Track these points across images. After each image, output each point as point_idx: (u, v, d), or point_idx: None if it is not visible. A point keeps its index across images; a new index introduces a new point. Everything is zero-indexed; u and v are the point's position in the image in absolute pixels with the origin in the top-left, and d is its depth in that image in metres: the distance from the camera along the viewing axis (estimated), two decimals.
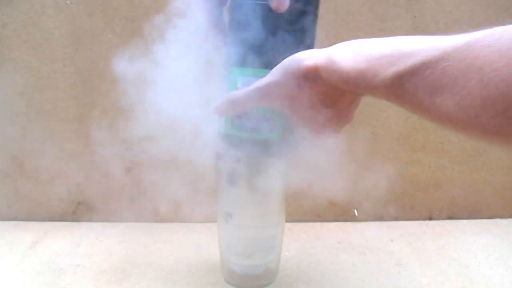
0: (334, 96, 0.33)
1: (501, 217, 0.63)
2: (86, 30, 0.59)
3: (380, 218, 0.64)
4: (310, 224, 0.63)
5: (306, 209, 0.64)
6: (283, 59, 0.35)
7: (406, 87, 0.26)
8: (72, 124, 0.63)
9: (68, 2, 0.59)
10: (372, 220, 0.64)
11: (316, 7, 0.38)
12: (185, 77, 0.41)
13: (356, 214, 0.64)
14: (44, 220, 0.66)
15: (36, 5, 0.59)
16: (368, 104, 0.61)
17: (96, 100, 0.62)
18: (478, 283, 0.46)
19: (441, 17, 0.57)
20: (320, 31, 0.57)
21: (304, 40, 0.37)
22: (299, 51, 0.36)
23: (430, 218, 0.63)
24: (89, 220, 0.65)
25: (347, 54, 0.29)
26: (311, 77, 0.31)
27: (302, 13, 0.36)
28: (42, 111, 0.63)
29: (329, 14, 0.57)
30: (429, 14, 0.57)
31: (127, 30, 0.59)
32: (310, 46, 0.38)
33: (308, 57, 0.31)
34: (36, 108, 0.63)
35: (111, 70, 0.58)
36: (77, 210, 0.66)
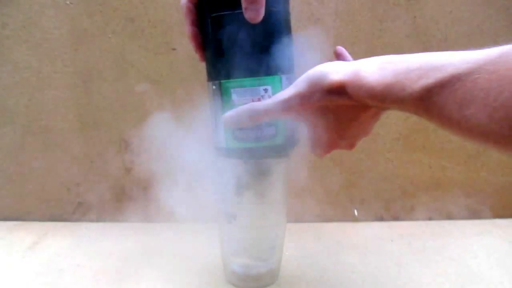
0: (357, 111, 0.32)
1: (501, 217, 0.63)
2: (86, 30, 0.60)
3: (380, 218, 0.64)
4: (310, 224, 0.63)
5: (306, 209, 0.64)
6: (271, 62, 0.36)
7: (434, 101, 0.25)
8: (72, 124, 0.63)
9: (68, 2, 0.59)
10: (372, 220, 0.64)
11: (288, 7, 0.38)
12: None
13: (356, 214, 0.64)
14: (44, 220, 0.66)
15: (36, 5, 0.59)
16: None
17: (96, 100, 0.62)
18: (478, 283, 0.46)
19: (441, 17, 0.57)
20: (320, 31, 0.57)
21: (284, 40, 0.37)
22: (282, 51, 0.36)
23: (430, 218, 0.63)
24: (89, 220, 0.65)
25: (374, 68, 0.29)
26: (336, 91, 0.30)
27: (278, 17, 0.36)
28: (42, 111, 0.63)
29: (329, 14, 0.57)
30: (429, 14, 0.57)
31: (127, 30, 0.59)
32: (290, 43, 0.38)
33: (334, 71, 0.31)
34: (36, 108, 0.63)
35: (111, 70, 0.58)
36: (77, 210, 0.66)
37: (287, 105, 0.33)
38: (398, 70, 0.27)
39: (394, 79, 0.27)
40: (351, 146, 0.37)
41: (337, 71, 0.31)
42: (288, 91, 0.33)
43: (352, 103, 0.31)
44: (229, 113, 0.36)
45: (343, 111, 0.32)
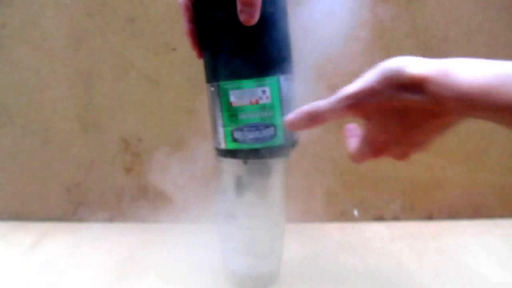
0: (428, 117, 0.28)
1: (501, 217, 0.63)
2: (86, 30, 0.59)
3: (380, 218, 0.64)
4: (310, 224, 0.63)
5: (306, 209, 0.63)
6: (268, 63, 0.35)
7: None
8: (72, 124, 0.63)
9: (68, 2, 0.59)
10: (372, 220, 0.64)
11: (286, 8, 0.38)
12: None
13: (356, 214, 0.64)
14: (44, 220, 0.66)
15: (36, 5, 0.59)
16: None
17: (96, 100, 0.62)
18: (478, 283, 0.46)
19: (441, 17, 0.57)
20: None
21: (282, 40, 0.37)
22: (280, 52, 0.36)
23: (430, 218, 0.63)
24: (89, 220, 0.65)
25: (468, 67, 0.25)
26: (413, 88, 0.26)
27: (275, 18, 0.36)
28: (42, 111, 0.63)
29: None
30: (429, 14, 0.57)
31: (127, 30, 0.59)
32: (288, 43, 0.38)
33: (413, 64, 0.27)
34: (35, 108, 0.63)
35: (111, 70, 0.58)
36: (77, 210, 0.66)
37: (354, 102, 0.29)
38: (499, 72, 0.23)
39: (494, 82, 0.23)
40: (403, 155, 0.32)
41: (416, 64, 0.26)
42: (355, 85, 0.29)
43: (427, 105, 0.26)
44: (290, 116, 0.33)
45: (411, 114, 0.28)
